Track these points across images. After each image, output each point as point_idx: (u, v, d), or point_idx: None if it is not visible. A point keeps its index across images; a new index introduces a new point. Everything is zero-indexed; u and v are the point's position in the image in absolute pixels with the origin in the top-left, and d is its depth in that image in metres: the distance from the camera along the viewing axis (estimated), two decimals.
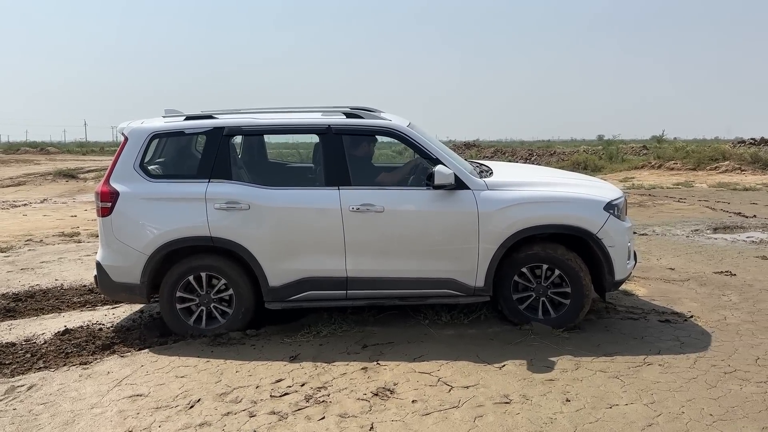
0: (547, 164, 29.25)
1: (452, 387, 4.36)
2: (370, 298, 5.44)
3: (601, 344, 5.17)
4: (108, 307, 6.42)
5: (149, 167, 5.40)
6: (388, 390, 4.31)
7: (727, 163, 23.14)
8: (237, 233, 5.24)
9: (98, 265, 5.41)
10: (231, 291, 5.38)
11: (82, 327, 5.64)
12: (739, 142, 30.74)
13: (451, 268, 5.35)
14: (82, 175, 25.72)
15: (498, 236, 5.27)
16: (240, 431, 3.77)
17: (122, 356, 5.00)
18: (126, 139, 5.40)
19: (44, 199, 17.53)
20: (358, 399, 4.18)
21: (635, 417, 3.89)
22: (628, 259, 5.50)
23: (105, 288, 5.48)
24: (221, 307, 5.43)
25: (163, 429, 3.80)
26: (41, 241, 10.47)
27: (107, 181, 5.35)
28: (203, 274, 5.36)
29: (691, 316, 5.91)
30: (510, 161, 31.10)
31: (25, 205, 16.00)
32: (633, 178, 22.81)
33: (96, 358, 4.98)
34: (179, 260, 5.36)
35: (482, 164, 6.56)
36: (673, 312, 6.04)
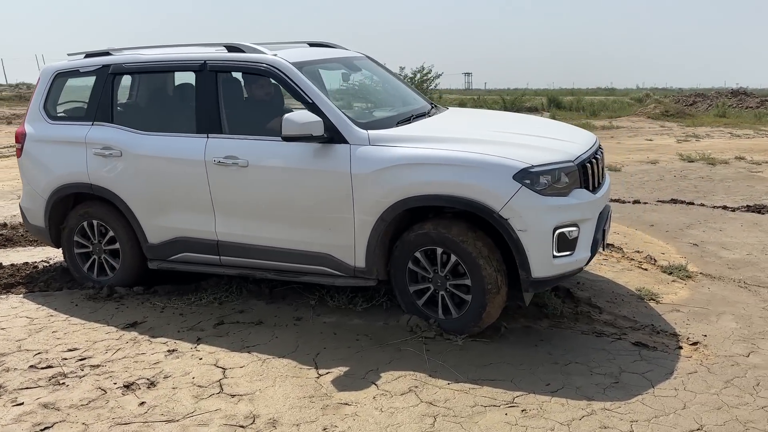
0: None
1: (214, 394, 3.48)
2: (243, 267, 4.66)
3: (494, 364, 3.77)
4: None
5: (51, 108, 5.17)
6: (149, 383, 3.59)
7: None
8: (113, 182, 4.81)
9: (20, 206, 5.43)
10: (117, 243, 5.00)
11: (13, 264, 5.71)
12: None
13: (325, 242, 4.31)
14: None
15: (375, 206, 4.08)
16: None
17: None
18: (39, 79, 5.24)
19: None
20: (96, 389, 3.53)
21: None
22: (559, 250, 3.86)
23: (28, 229, 5.50)
24: (111, 261, 5.09)
25: None
26: None
27: (23, 122, 5.27)
28: (95, 223, 5.05)
29: (694, 343, 4.04)
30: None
31: None
32: None
33: None
34: (76, 205, 5.13)
35: (438, 108, 5.21)
36: (674, 334, 4.20)
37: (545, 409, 3.28)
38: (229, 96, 4.62)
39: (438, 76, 21.27)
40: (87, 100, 5.08)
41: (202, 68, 4.61)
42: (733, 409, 3.26)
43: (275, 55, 4.50)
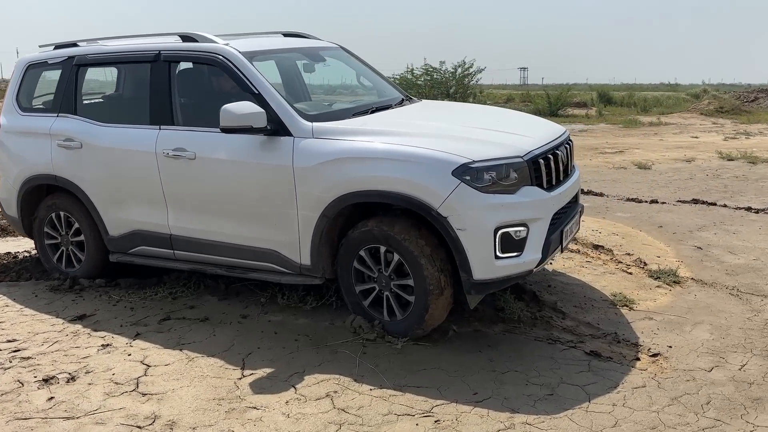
0: None
1: (126, 392, 3.39)
2: (195, 262, 4.57)
3: (427, 370, 3.56)
4: None
5: (23, 100, 5.20)
6: (69, 377, 3.53)
7: None
8: (75, 174, 4.81)
9: None
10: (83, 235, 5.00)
11: None
12: None
13: (271, 238, 4.17)
14: None
15: (317, 201, 3.91)
16: None
17: None
18: (13, 71, 5.29)
19: None
20: (14, 382, 3.50)
21: None
22: (504, 251, 3.60)
23: (5, 219, 5.56)
24: (77, 253, 5.09)
25: None
26: None
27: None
28: (62, 214, 5.06)
29: (655, 355, 3.72)
30: None
31: None
32: None
33: None
34: (46, 196, 5.15)
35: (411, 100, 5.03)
36: (636, 344, 3.88)
37: (461, 421, 3.05)
38: (183, 87, 4.54)
39: (480, 70, 20.77)
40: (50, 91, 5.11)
41: (156, 59, 4.54)
42: (670, 430, 2.96)
43: (227, 44, 4.38)
